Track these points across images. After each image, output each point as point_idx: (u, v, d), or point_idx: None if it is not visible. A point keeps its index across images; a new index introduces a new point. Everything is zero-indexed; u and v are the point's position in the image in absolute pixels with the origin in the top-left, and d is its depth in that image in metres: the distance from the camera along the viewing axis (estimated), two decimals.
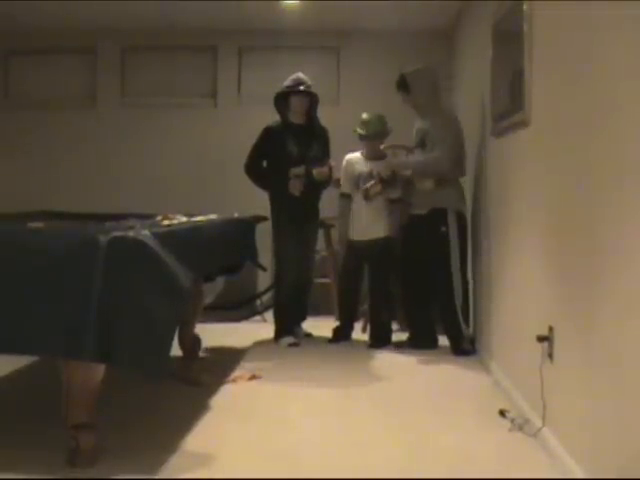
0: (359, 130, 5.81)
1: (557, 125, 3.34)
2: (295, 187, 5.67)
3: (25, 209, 5.27)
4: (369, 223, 5.78)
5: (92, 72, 7.76)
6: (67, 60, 7.82)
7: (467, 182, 5.98)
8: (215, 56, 7.67)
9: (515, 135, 4.17)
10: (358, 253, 5.85)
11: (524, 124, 3.90)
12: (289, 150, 5.73)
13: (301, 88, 5.72)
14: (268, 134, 5.79)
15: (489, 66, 4.88)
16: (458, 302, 5.45)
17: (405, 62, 7.11)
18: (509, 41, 4.30)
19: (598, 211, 2.75)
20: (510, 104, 4.25)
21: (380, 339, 5.74)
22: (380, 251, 5.78)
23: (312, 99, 5.80)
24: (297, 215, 5.74)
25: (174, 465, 3.19)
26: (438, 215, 5.47)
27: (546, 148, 3.52)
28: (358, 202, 5.81)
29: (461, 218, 5.55)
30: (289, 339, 5.73)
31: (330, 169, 5.74)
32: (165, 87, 7.75)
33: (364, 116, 5.84)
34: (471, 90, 6.00)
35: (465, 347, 5.41)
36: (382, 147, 5.92)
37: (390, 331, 5.86)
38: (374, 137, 5.82)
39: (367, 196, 5.69)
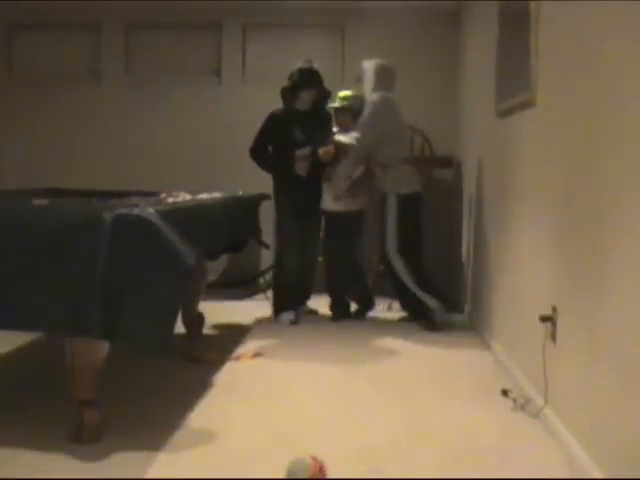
0: (332, 103, 5.94)
1: (563, 105, 3.33)
2: (302, 168, 5.70)
3: (29, 186, 5.27)
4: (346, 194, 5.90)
5: (96, 48, 7.73)
6: (71, 36, 7.79)
7: (471, 162, 5.99)
8: (219, 33, 7.63)
9: (520, 115, 4.16)
10: (335, 226, 5.93)
11: (530, 104, 3.89)
12: (295, 137, 5.74)
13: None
14: (273, 121, 5.78)
15: (495, 46, 4.86)
16: (405, 279, 5.57)
17: (410, 41, 7.15)
18: (515, 20, 4.27)
19: (603, 190, 2.75)
20: (515, 84, 4.23)
21: (340, 311, 5.94)
22: (356, 224, 5.92)
23: (321, 90, 5.80)
24: (300, 199, 5.77)
25: (178, 441, 3.21)
26: (384, 200, 5.64)
27: (551, 127, 3.51)
28: (337, 172, 5.89)
29: (404, 200, 5.58)
30: (289, 315, 5.76)
31: (335, 148, 5.74)
32: (169, 64, 7.71)
33: (341, 93, 5.97)
34: (477, 70, 5.98)
35: (430, 317, 5.55)
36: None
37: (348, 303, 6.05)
38: (341, 110, 5.92)
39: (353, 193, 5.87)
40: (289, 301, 5.88)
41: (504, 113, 4.58)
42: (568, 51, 3.26)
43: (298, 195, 5.76)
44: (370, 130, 5.57)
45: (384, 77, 5.67)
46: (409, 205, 5.59)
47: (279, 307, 5.87)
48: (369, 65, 5.71)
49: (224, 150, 7.31)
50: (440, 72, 7.27)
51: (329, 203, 5.93)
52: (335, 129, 5.94)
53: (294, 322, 5.71)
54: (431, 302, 5.55)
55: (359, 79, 5.76)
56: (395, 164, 5.61)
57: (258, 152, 5.81)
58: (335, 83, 6.20)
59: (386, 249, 5.62)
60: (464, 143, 6.54)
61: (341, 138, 5.76)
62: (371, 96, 5.61)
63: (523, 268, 4.06)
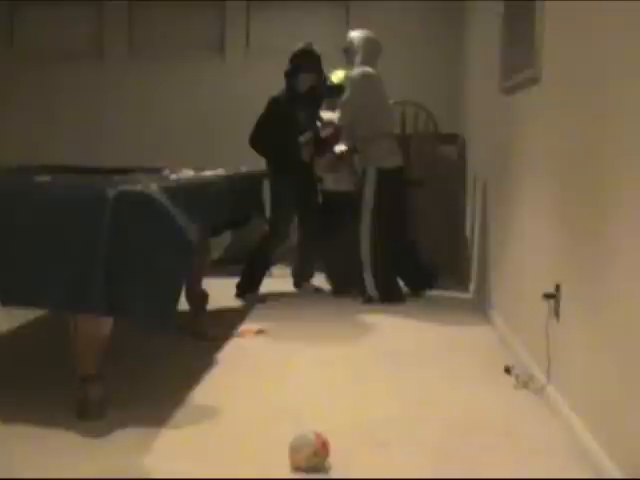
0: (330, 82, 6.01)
1: (568, 81, 3.31)
2: (307, 153, 5.75)
3: (31, 162, 5.26)
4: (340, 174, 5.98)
5: (99, 23, 7.68)
6: (73, 10, 7.72)
7: (475, 139, 5.97)
8: (223, 8, 7.57)
9: (525, 92, 4.14)
10: (324, 206, 5.98)
11: (535, 81, 3.87)
12: (299, 120, 5.77)
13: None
14: (277, 106, 5.75)
15: (500, 22, 4.82)
16: (364, 256, 5.60)
17: (414, 17, 7.11)
18: None
19: (607, 167, 2.74)
20: (521, 61, 4.20)
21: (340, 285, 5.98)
22: (345, 204, 5.89)
23: (319, 73, 5.82)
24: (300, 182, 5.81)
25: (182, 417, 3.23)
26: (364, 175, 5.67)
27: (556, 104, 3.49)
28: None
29: (384, 174, 5.58)
30: (255, 297, 5.74)
31: (335, 128, 5.76)
32: (173, 39, 7.66)
33: (335, 73, 6.01)
34: (482, 47, 5.94)
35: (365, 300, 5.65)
36: None
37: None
38: (330, 90, 5.97)
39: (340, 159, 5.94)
40: (257, 283, 5.84)
41: (509, 90, 4.55)
42: (574, 27, 3.24)
43: (298, 179, 5.79)
44: (347, 107, 5.60)
45: (371, 51, 5.67)
46: (389, 180, 5.58)
47: (247, 287, 5.81)
48: (357, 37, 5.69)
49: (228, 126, 7.27)
50: (445, 48, 7.22)
51: (333, 182, 5.99)
52: (324, 113, 5.97)
53: (261, 301, 5.70)
54: (370, 288, 5.62)
55: (348, 50, 5.74)
56: (376, 138, 5.61)
57: (259, 139, 5.75)
58: (339, 59, 6.17)
59: (361, 221, 5.59)
60: (469, 120, 6.51)
61: (332, 117, 5.77)
62: (353, 72, 5.62)
63: (526, 246, 4.06)
